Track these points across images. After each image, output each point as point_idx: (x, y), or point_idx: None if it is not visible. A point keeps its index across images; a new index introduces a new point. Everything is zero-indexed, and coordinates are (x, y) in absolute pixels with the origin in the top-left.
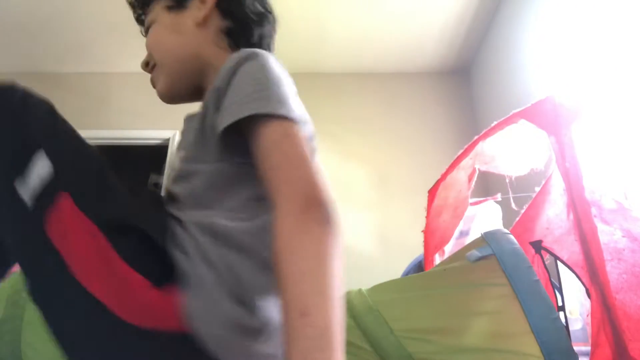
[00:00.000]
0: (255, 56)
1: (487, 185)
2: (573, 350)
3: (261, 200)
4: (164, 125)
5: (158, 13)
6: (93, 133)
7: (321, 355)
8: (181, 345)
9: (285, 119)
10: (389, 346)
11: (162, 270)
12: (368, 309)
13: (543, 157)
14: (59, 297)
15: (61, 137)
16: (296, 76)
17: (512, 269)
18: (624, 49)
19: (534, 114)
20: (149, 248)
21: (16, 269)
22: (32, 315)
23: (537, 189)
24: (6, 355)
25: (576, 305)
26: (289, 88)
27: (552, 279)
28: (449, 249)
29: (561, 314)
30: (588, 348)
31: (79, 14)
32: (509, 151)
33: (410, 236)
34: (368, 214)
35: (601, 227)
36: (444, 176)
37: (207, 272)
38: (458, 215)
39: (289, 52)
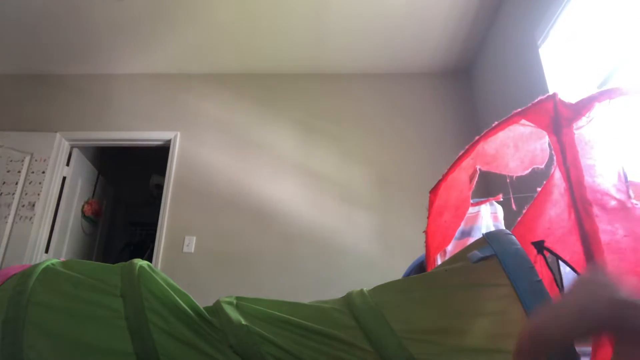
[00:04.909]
0: None
1: (488, 185)
2: (575, 350)
3: None
4: (165, 126)
5: None
6: (95, 134)
7: None
8: None
9: None
10: (391, 347)
11: None
12: (370, 310)
13: (544, 157)
14: None
15: None
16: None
17: (513, 270)
18: (628, 46)
19: (534, 114)
20: None
21: (17, 269)
22: (35, 317)
23: (539, 189)
24: (7, 357)
25: None
26: None
27: (556, 279)
28: (451, 249)
29: None
30: (590, 348)
31: (81, 15)
32: (510, 151)
33: (411, 236)
34: (369, 214)
35: (603, 227)
36: (445, 177)
37: None
38: (459, 215)
39: (289, 53)
